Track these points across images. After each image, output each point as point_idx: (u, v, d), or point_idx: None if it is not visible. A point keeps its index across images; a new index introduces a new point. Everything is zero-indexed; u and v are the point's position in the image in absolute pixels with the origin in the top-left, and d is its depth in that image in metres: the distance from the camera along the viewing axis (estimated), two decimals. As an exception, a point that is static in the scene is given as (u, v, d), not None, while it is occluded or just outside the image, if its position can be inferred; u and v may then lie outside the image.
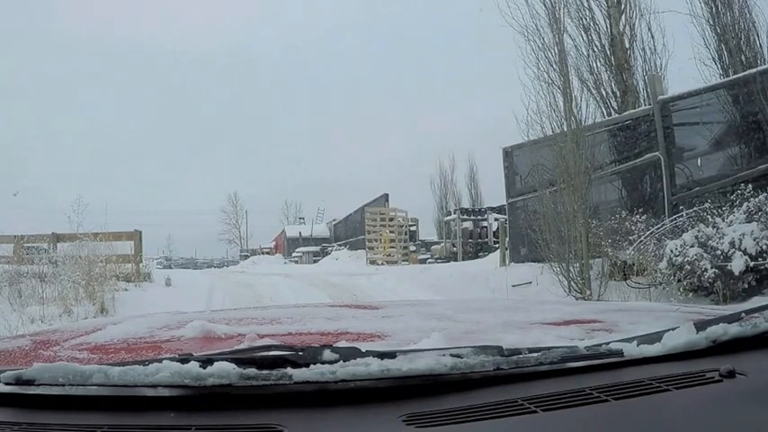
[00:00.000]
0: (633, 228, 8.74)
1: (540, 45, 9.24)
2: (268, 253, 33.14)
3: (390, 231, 21.27)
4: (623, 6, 11.91)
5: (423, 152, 55.63)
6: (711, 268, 7.06)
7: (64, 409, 0.77)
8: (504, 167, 11.93)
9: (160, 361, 0.77)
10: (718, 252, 7.16)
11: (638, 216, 8.90)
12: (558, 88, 9.08)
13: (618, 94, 11.81)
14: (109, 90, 64.89)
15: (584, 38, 11.73)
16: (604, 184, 10.11)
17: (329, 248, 27.07)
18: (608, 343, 0.89)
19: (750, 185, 8.00)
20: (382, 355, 0.78)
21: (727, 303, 6.69)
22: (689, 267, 7.18)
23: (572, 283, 8.62)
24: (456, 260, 18.38)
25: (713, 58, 11.13)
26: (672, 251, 7.41)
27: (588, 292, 8.31)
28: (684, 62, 11.56)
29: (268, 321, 1.42)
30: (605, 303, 4.57)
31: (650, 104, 10.21)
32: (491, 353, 0.81)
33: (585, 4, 11.77)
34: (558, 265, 8.80)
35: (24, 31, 60.73)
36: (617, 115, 11.13)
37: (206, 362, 0.76)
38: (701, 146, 9.61)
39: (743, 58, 10.79)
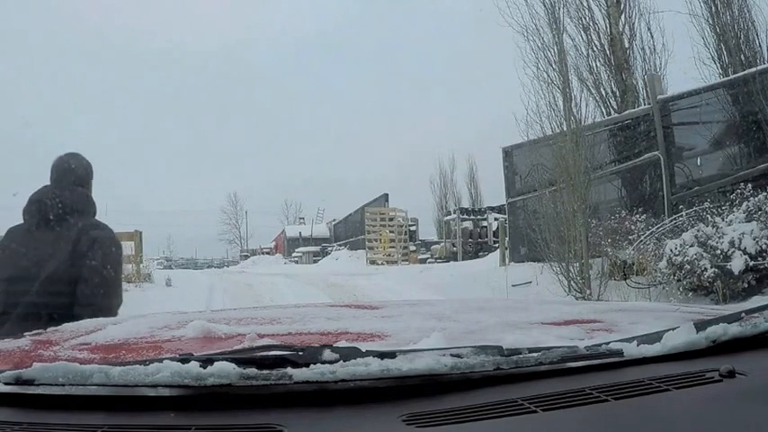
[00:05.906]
0: (633, 227, 8.74)
1: (540, 45, 9.27)
2: (268, 253, 33.15)
3: (390, 231, 21.27)
4: (623, 6, 11.93)
5: (423, 152, 55.73)
6: (711, 268, 7.06)
7: (64, 409, 0.76)
8: (503, 167, 11.95)
9: (161, 361, 0.77)
10: (718, 251, 7.16)
11: (637, 216, 8.90)
12: (558, 88, 9.11)
13: (617, 93, 11.82)
14: (108, 90, 64.94)
15: (584, 37, 11.76)
16: (604, 184, 10.12)
17: (329, 248, 27.07)
18: (608, 343, 0.89)
19: (750, 185, 8.00)
20: (382, 355, 0.78)
21: (727, 303, 6.69)
22: (689, 267, 7.18)
23: (572, 282, 8.62)
24: (456, 260, 18.40)
25: (713, 58, 11.15)
26: (672, 251, 7.41)
27: (588, 292, 8.31)
28: (684, 62, 11.58)
29: (268, 321, 1.42)
30: (605, 303, 4.57)
31: (650, 104, 10.22)
32: (491, 353, 0.81)
33: (585, 4, 11.81)
34: (557, 264, 8.81)
35: (22, 30, 60.73)
36: (616, 115, 11.14)
37: (206, 362, 0.76)
38: (701, 145, 9.61)
39: (742, 57, 10.79)
